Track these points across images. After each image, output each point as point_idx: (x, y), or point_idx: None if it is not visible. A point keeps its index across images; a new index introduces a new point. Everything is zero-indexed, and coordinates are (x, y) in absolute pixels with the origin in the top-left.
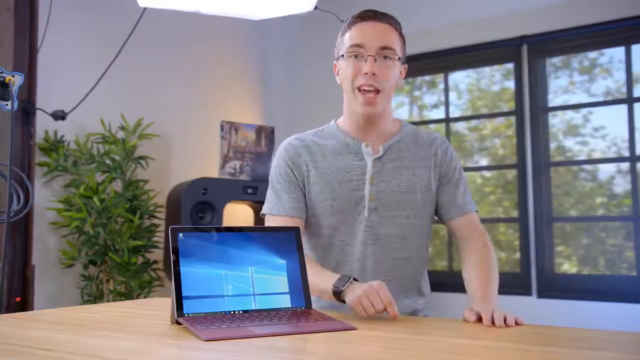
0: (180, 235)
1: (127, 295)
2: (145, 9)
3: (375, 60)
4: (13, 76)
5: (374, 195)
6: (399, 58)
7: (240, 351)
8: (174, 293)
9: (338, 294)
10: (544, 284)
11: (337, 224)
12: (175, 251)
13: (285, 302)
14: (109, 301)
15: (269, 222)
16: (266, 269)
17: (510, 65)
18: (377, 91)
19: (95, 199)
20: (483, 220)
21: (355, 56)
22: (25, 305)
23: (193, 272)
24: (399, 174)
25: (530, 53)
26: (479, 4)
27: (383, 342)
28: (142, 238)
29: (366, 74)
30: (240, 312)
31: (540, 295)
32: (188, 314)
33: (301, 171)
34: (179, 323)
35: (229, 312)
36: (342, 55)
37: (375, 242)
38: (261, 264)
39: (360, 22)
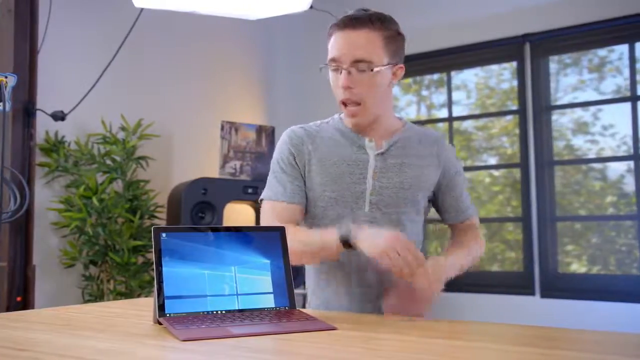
0: (163, 235)
1: (128, 295)
2: (143, 8)
3: (350, 72)
4: (6, 77)
5: (375, 190)
6: (377, 65)
7: (215, 351)
8: (156, 293)
9: (348, 242)
10: (547, 284)
11: (337, 217)
12: (158, 251)
13: (268, 302)
14: (109, 301)
15: (268, 207)
16: (250, 269)
17: (513, 64)
18: (358, 103)
19: (94, 199)
20: (485, 220)
21: (335, 69)
22: (26, 305)
23: (176, 272)
24: (402, 170)
25: (533, 51)
26: (480, 3)
27: (362, 343)
28: (142, 238)
29: (343, 87)
30: (223, 312)
31: (544, 295)
32: (170, 314)
33: (303, 160)
34: (160, 323)
35: (211, 312)
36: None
37: None
38: (245, 263)
39: (337, 31)
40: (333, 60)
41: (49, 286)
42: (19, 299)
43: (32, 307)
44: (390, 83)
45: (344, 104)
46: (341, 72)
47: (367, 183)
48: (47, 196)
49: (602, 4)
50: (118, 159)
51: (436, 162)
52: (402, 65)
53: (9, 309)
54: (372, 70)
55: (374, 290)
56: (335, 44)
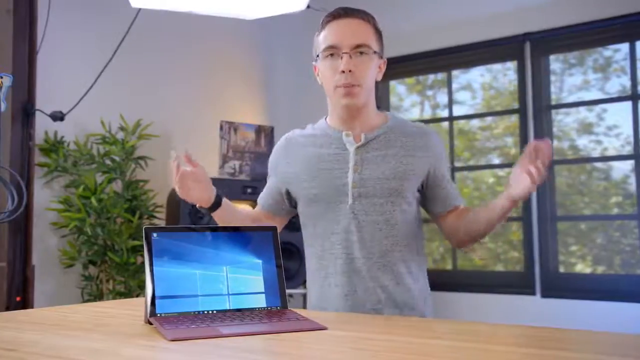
0: (155, 235)
1: (127, 295)
2: (140, 9)
3: (350, 57)
4: (2, 77)
5: (357, 183)
6: (375, 52)
7: (203, 351)
8: (148, 293)
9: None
10: (548, 284)
11: (321, 213)
12: (150, 251)
13: (260, 301)
14: (108, 300)
15: None
16: (241, 269)
17: (514, 63)
18: (356, 86)
19: (93, 199)
20: None
21: (332, 55)
22: (25, 305)
23: (167, 272)
24: (384, 161)
25: (533, 50)
26: (481, 2)
27: (351, 343)
28: (141, 238)
29: (343, 72)
30: (214, 311)
31: (544, 295)
32: (161, 314)
33: (279, 170)
34: (151, 323)
35: (202, 312)
36: (319, 56)
37: (359, 229)
38: (236, 263)
39: (333, 20)
40: (332, 47)
41: (48, 286)
42: (18, 299)
43: (32, 307)
44: (376, 75)
45: (340, 87)
46: (342, 57)
47: (348, 177)
48: (46, 196)
49: (602, 3)
50: (117, 159)
51: (424, 153)
52: (385, 60)
53: (8, 309)
54: (373, 53)
55: (370, 295)
56: (333, 32)
